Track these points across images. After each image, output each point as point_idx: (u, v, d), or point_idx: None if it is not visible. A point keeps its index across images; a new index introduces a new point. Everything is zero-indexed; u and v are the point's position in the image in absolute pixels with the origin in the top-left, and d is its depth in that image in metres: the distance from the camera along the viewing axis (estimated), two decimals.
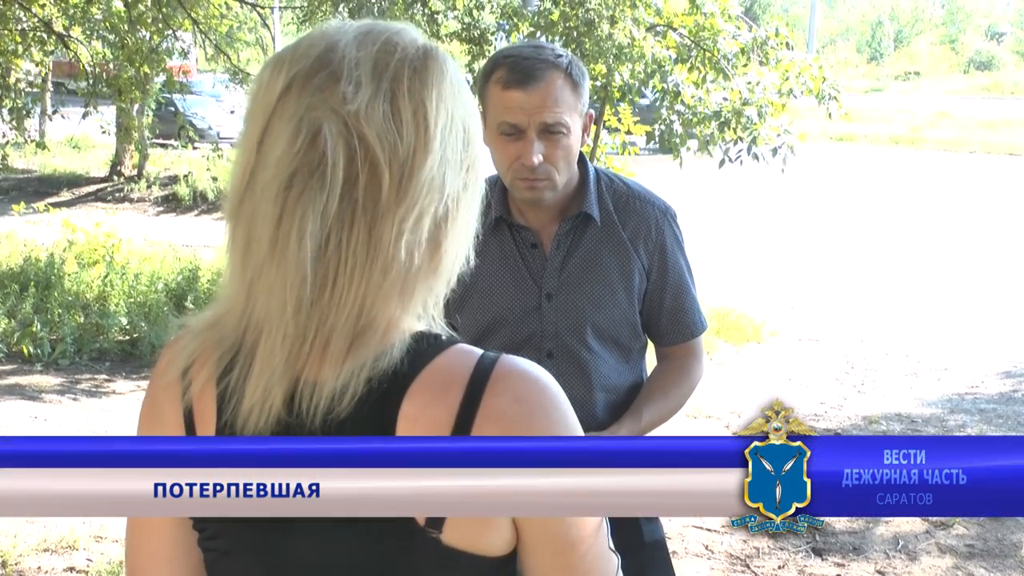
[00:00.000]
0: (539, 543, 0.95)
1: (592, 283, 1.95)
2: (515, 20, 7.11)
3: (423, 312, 0.96)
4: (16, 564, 3.72)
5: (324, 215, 0.88)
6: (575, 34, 6.65)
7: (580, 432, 0.96)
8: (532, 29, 6.75)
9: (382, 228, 0.89)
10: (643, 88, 7.00)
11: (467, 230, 0.98)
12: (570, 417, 0.95)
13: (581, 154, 1.96)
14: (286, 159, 0.90)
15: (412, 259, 0.91)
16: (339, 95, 0.90)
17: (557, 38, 6.67)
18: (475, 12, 7.57)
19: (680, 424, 5.65)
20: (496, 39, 7.60)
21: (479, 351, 0.96)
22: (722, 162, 7.22)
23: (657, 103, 7.07)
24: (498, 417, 0.91)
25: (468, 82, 1.02)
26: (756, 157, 7.04)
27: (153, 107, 12.25)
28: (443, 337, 0.96)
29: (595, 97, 6.88)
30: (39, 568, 3.71)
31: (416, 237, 0.91)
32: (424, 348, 0.93)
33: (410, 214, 0.90)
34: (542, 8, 6.82)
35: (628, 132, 8.17)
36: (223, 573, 1.02)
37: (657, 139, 7.15)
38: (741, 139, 6.98)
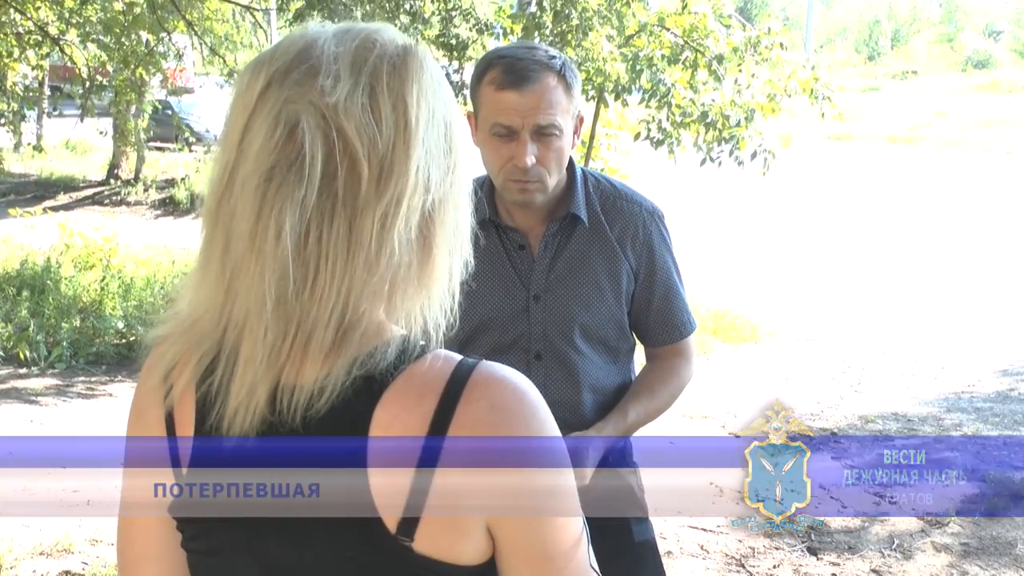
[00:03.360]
0: (515, 553, 0.93)
1: (580, 284, 1.95)
2: (510, 23, 7.11)
3: (415, 316, 0.94)
4: (12, 568, 3.72)
5: (303, 209, 0.87)
6: (560, 41, 6.66)
7: (560, 441, 0.94)
8: (523, 33, 6.75)
9: (363, 223, 0.88)
10: (632, 87, 6.99)
11: (458, 230, 0.96)
12: (548, 426, 0.93)
13: (569, 156, 1.95)
14: (264, 153, 0.89)
15: (400, 257, 0.90)
16: (317, 88, 0.89)
17: (548, 40, 6.68)
18: (452, 20, 7.57)
19: (676, 424, 5.65)
20: (491, 40, 7.61)
21: (458, 357, 0.94)
22: (703, 161, 7.22)
23: (645, 102, 7.07)
24: (472, 426, 0.89)
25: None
26: (738, 161, 7.04)
27: (150, 110, 12.26)
28: (423, 343, 0.94)
29: (589, 96, 6.88)
30: (35, 572, 3.71)
31: (403, 234, 0.90)
32: (403, 354, 0.92)
33: (393, 209, 0.89)
34: (532, 12, 6.82)
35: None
36: (203, 574, 1.03)
37: (644, 138, 7.15)
38: (725, 140, 6.98)
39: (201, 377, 0.96)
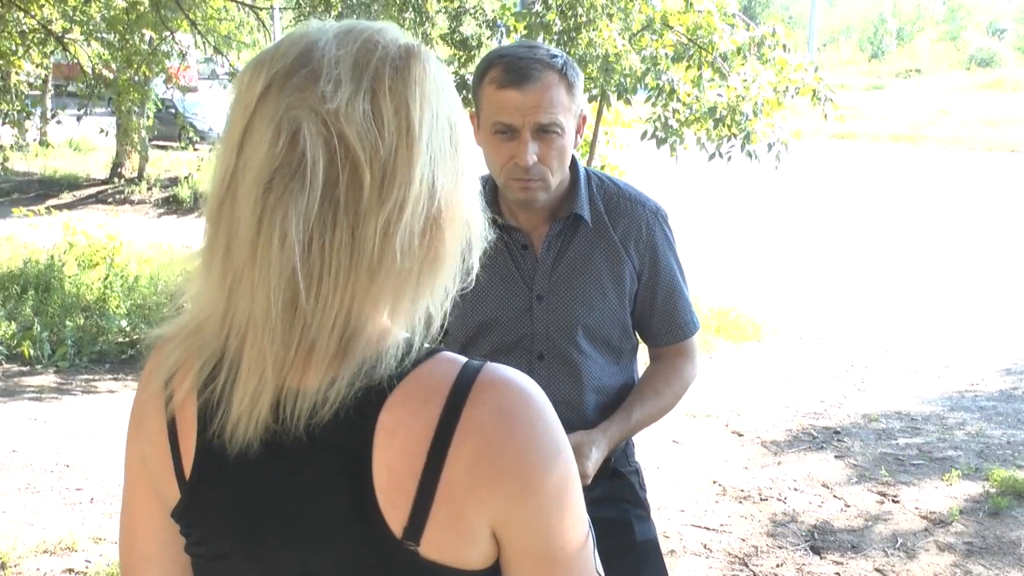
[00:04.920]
0: (521, 557, 0.93)
1: (583, 284, 1.94)
2: (513, 21, 7.11)
3: (419, 320, 0.93)
4: (15, 566, 3.73)
5: (306, 216, 0.86)
6: (565, 38, 6.66)
7: (567, 444, 0.94)
8: (527, 31, 6.76)
9: (365, 229, 0.87)
10: (638, 86, 7.00)
11: (465, 233, 0.95)
12: (555, 428, 0.93)
13: (572, 155, 1.95)
14: (267, 160, 0.88)
15: (404, 262, 0.89)
16: (318, 94, 0.87)
17: (553, 39, 6.68)
18: (461, 17, 7.58)
19: (680, 423, 5.65)
20: (495, 39, 7.62)
21: (463, 359, 0.93)
22: (712, 156, 7.22)
23: (652, 101, 7.08)
24: (478, 430, 0.89)
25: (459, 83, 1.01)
26: (750, 155, 7.05)
27: (153, 109, 12.25)
28: (427, 346, 0.94)
29: (592, 95, 6.89)
30: (38, 570, 3.71)
31: (406, 239, 0.89)
32: (407, 357, 0.91)
33: (397, 215, 0.88)
34: (537, 10, 6.82)
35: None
36: None
37: (651, 136, 7.16)
38: (735, 136, 6.99)
39: (203, 384, 0.95)
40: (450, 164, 0.93)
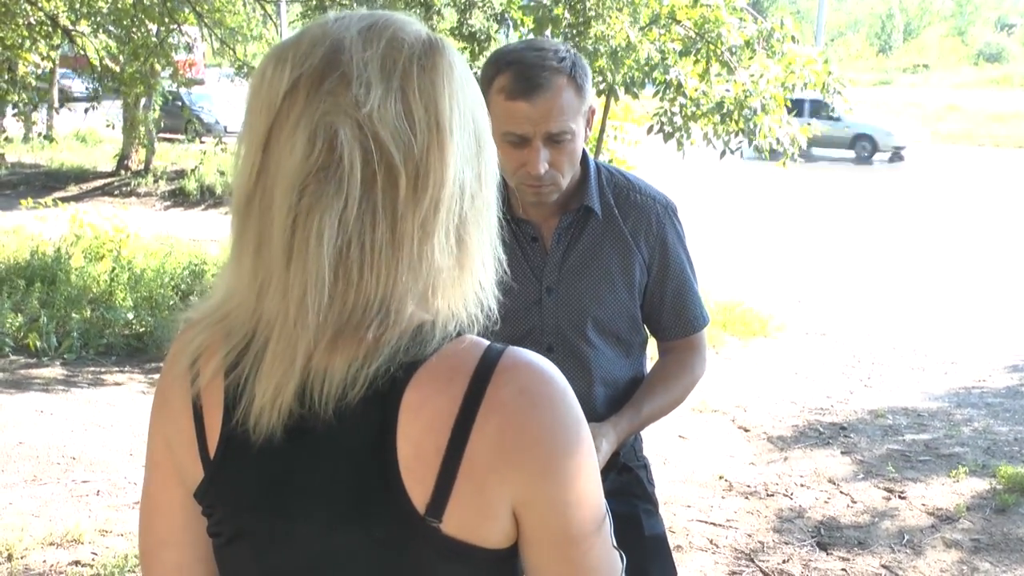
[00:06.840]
0: (539, 536, 0.94)
1: (593, 277, 1.94)
2: (520, 16, 7.10)
3: (450, 311, 0.95)
4: (22, 557, 3.73)
5: (343, 219, 0.88)
6: (573, 32, 6.64)
7: (585, 426, 0.96)
8: (535, 26, 6.74)
9: (403, 228, 0.89)
10: (646, 80, 7.00)
11: (489, 225, 0.98)
12: (575, 410, 0.95)
13: (583, 149, 1.95)
14: (302, 165, 0.89)
15: (442, 259, 0.92)
16: (351, 98, 0.89)
17: (561, 33, 6.67)
18: (468, 11, 7.57)
19: (686, 418, 5.65)
20: (501, 34, 7.60)
21: (486, 342, 0.95)
22: (723, 153, 7.22)
23: (659, 95, 7.07)
24: (501, 409, 0.91)
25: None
26: (758, 150, 7.05)
27: (160, 102, 12.27)
28: (451, 327, 0.95)
29: (599, 90, 6.88)
30: (44, 562, 3.72)
31: (443, 235, 0.91)
32: (431, 338, 0.93)
33: (433, 213, 0.90)
34: (545, 3, 6.80)
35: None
36: (229, 559, 1.03)
37: (657, 131, 7.15)
38: (742, 131, 6.98)
39: (228, 368, 0.97)
40: (475, 160, 0.95)
